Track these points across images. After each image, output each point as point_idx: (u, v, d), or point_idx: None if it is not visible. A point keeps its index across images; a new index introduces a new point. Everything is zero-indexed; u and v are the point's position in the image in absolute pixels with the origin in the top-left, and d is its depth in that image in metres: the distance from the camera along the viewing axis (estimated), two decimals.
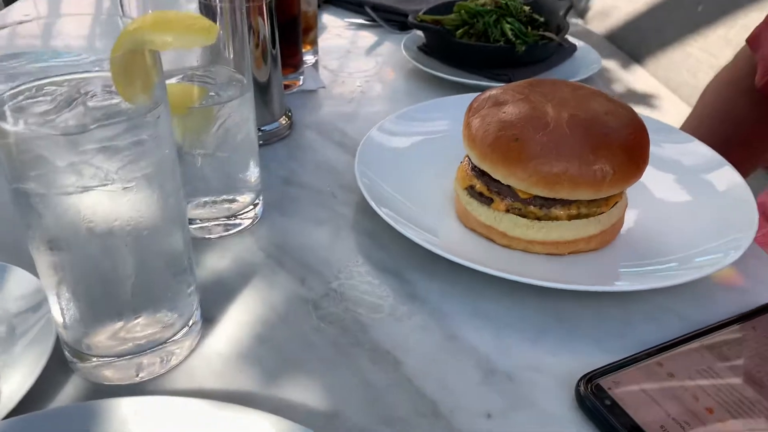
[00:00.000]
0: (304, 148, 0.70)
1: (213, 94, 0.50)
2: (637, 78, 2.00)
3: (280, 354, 0.44)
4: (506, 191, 0.51)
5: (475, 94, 0.59)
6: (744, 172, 0.59)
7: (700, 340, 0.43)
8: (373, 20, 1.13)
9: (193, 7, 0.52)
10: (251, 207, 0.56)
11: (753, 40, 0.92)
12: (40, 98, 0.33)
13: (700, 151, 0.64)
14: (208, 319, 0.46)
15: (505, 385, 0.42)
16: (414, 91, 0.87)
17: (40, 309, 0.43)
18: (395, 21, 1.12)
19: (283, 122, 0.72)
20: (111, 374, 0.41)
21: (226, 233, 0.55)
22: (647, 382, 0.40)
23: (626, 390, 0.39)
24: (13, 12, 1.14)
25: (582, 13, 2.50)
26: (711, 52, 1.72)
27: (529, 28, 0.90)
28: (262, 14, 0.62)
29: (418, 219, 0.54)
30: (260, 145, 0.68)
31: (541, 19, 0.93)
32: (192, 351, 0.44)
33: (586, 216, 0.51)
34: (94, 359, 0.40)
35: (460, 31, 0.91)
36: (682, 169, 0.62)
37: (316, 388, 0.41)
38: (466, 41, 0.89)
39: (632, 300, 0.49)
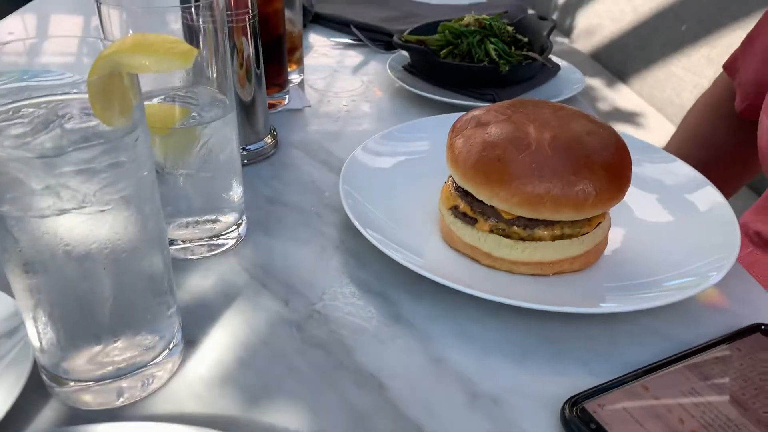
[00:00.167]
0: (289, 167, 0.70)
1: (195, 114, 0.50)
2: (621, 96, 2.02)
3: (263, 377, 0.43)
4: (490, 212, 0.51)
5: (459, 114, 0.59)
6: (726, 194, 0.59)
7: (685, 362, 0.43)
8: (359, 40, 1.13)
9: (177, 28, 0.52)
10: (235, 227, 0.56)
11: (729, 66, 0.92)
12: (17, 120, 0.33)
13: (683, 171, 0.64)
14: (191, 341, 0.46)
15: (491, 409, 0.41)
16: (399, 111, 0.87)
17: (18, 332, 0.42)
18: (381, 41, 1.12)
19: (269, 141, 0.72)
20: (90, 399, 0.40)
21: (210, 254, 0.55)
22: (632, 405, 0.40)
23: (611, 413, 0.39)
24: (1, 28, 1.14)
25: (568, 32, 2.52)
26: (694, 71, 1.74)
27: (513, 48, 0.90)
28: (245, 34, 0.62)
29: (403, 239, 0.54)
30: (245, 164, 0.68)
31: (525, 40, 0.93)
32: (173, 374, 0.43)
33: (570, 236, 0.51)
34: (73, 383, 0.39)
35: (444, 51, 0.91)
36: (664, 189, 0.62)
37: (299, 412, 0.41)
38: (451, 61, 0.89)
39: (617, 321, 0.49)
